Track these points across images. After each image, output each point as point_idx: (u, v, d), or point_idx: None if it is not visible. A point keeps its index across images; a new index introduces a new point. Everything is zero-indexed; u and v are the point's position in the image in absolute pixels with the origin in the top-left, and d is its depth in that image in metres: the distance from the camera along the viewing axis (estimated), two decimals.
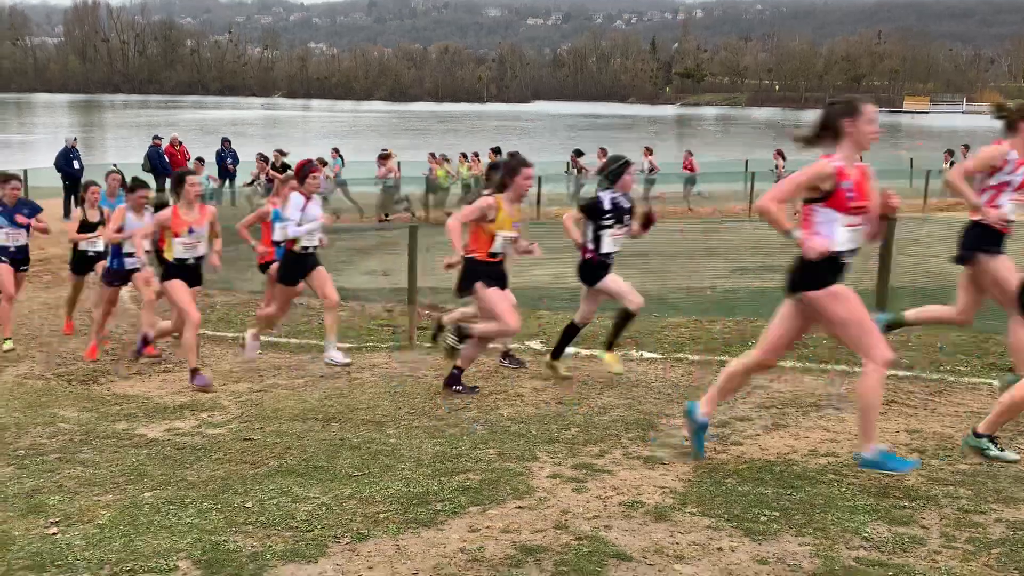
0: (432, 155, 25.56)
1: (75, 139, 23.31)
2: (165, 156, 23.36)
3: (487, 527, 4.64)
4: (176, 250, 8.58)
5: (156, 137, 24.41)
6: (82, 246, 10.22)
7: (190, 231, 8.55)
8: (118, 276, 9.77)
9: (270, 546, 4.43)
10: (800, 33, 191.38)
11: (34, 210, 10.22)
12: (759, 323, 10.06)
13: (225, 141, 24.89)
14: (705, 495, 5.05)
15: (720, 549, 4.37)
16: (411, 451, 5.93)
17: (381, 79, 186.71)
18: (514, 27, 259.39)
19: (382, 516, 4.79)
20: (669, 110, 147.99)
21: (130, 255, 9.52)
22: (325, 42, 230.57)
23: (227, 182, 23.57)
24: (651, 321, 10.32)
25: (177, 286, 8.60)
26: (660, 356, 8.70)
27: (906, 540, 4.46)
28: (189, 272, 8.69)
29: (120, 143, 55.51)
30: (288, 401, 7.49)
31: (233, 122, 79.08)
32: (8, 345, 9.73)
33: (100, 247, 10.14)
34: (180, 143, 24.16)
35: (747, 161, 30.65)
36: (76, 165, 21.63)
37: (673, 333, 9.76)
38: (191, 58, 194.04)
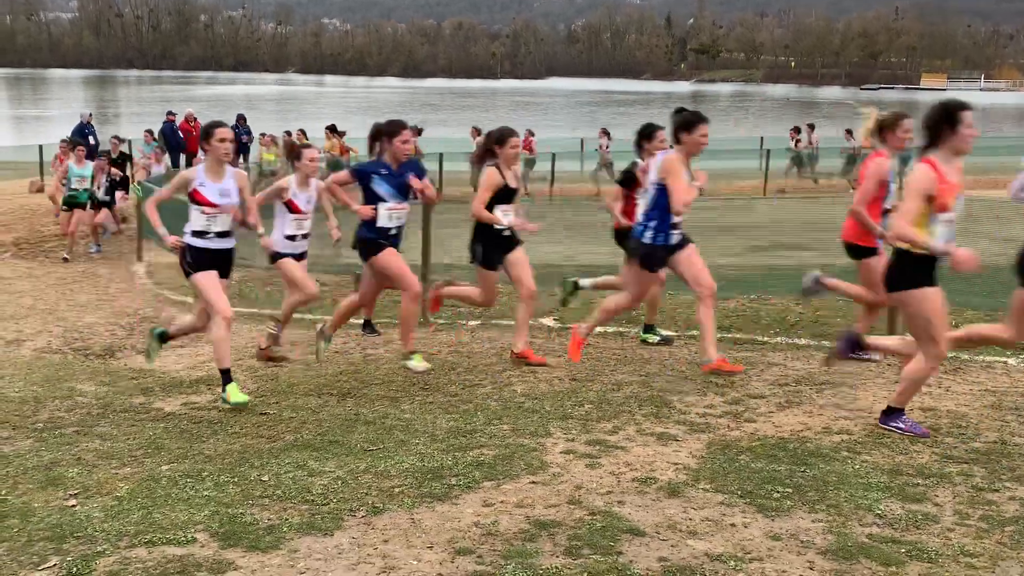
0: (262, 135, 24.02)
1: (90, 114, 23.38)
2: (179, 132, 23.40)
3: (501, 502, 4.67)
4: None
5: (170, 113, 24.43)
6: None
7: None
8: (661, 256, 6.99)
9: (286, 519, 4.47)
10: (817, 9, 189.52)
11: (422, 172, 7.59)
12: (772, 300, 10.06)
13: (240, 118, 24.90)
14: (718, 471, 5.07)
15: (733, 525, 4.38)
16: (425, 426, 5.96)
17: (394, 55, 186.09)
18: (528, 2, 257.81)
19: (397, 490, 4.83)
20: (684, 86, 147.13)
21: (675, 227, 6.92)
22: (339, 17, 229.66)
23: (241, 157, 23.61)
24: (666, 298, 10.32)
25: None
26: (674, 333, 8.69)
27: (919, 517, 4.46)
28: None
29: (134, 118, 55.58)
30: (303, 376, 7.53)
31: (247, 97, 79.03)
32: (417, 362, 7.39)
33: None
34: (195, 119, 24.18)
35: (762, 138, 30.52)
36: (91, 140, 21.70)
37: (687, 311, 9.74)
38: (205, 33, 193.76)
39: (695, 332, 8.72)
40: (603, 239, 15.71)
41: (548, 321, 9.34)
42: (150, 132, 22.89)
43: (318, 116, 56.70)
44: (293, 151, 8.48)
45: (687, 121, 6.82)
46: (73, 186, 15.10)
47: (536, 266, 12.72)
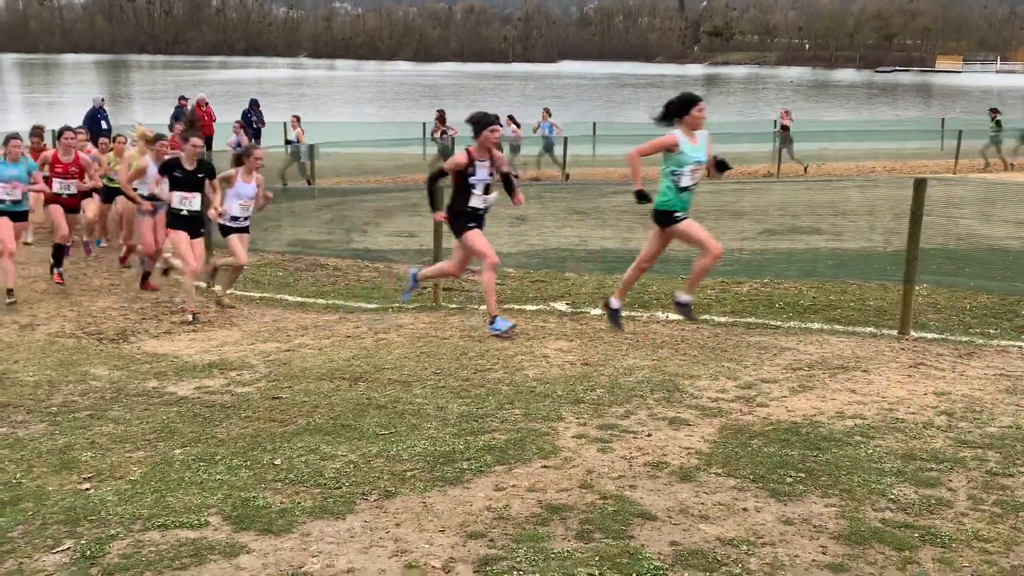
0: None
1: (103, 99, 23.40)
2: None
3: (513, 486, 4.67)
4: None
5: (182, 97, 24.47)
6: None
7: None
8: None
9: (299, 503, 4.48)
10: None
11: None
12: (785, 284, 10.03)
13: (254, 103, 24.91)
14: (731, 456, 5.05)
15: (745, 509, 4.37)
16: (437, 411, 5.97)
17: (406, 39, 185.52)
18: None
19: (409, 474, 4.83)
20: (697, 69, 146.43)
21: None
22: (350, 2, 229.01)
23: (253, 141, 23.63)
24: (678, 282, 10.29)
25: None
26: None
27: (933, 502, 4.44)
28: None
29: (147, 103, 55.69)
30: (315, 360, 7.54)
31: (259, 82, 79.06)
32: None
33: None
34: (206, 103, 24.20)
35: (775, 121, 30.37)
36: (104, 125, 21.74)
37: (699, 295, 9.71)
38: (216, 18, 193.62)
39: (706, 316, 8.70)
40: (612, 223, 15.72)
41: (560, 305, 9.33)
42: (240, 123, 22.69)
43: (351, 100, 56.54)
44: None
45: None
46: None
47: (548, 250, 12.75)
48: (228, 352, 8.03)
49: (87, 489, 4.76)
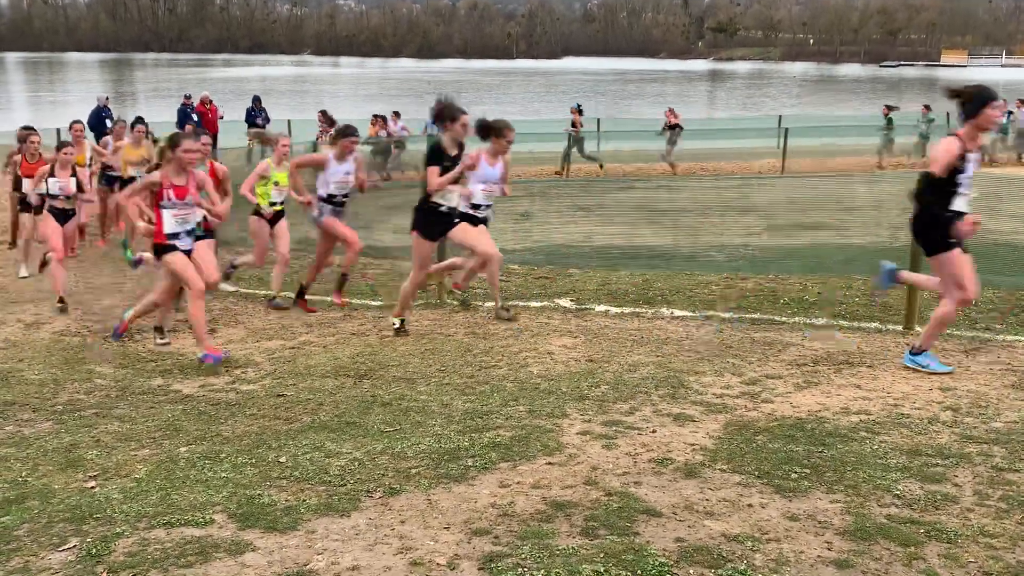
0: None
1: (107, 97, 23.45)
2: (195, 115, 23.43)
3: (517, 483, 4.67)
4: None
5: (187, 96, 24.50)
6: None
7: None
8: None
9: (304, 500, 4.49)
10: None
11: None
12: (790, 280, 10.01)
13: (256, 100, 24.93)
14: (735, 452, 5.05)
15: (750, 506, 4.37)
16: (442, 408, 5.97)
17: (409, 36, 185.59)
18: None
19: (414, 471, 4.84)
20: (701, 65, 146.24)
21: None
22: None
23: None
24: (682, 278, 10.29)
25: None
26: (691, 313, 8.66)
27: (938, 498, 4.43)
28: None
29: (151, 101, 55.75)
30: (320, 358, 7.54)
31: (263, 79, 79.10)
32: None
33: None
34: (210, 101, 24.24)
35: (780, 117, 30.33)
36: (108, 124, 21.78)
37: (704, 290, 9.71)
38: (220, 16, 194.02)
39: (711, 312, 8.68)
40: (615, 219, 15.72)
41: (565, 302, 9.33)
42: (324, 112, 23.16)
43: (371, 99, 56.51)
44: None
45: None
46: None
47: (552, 246, 12.74)
48: (233, 350, 8.04)
49: (92, 487, 4.77)
